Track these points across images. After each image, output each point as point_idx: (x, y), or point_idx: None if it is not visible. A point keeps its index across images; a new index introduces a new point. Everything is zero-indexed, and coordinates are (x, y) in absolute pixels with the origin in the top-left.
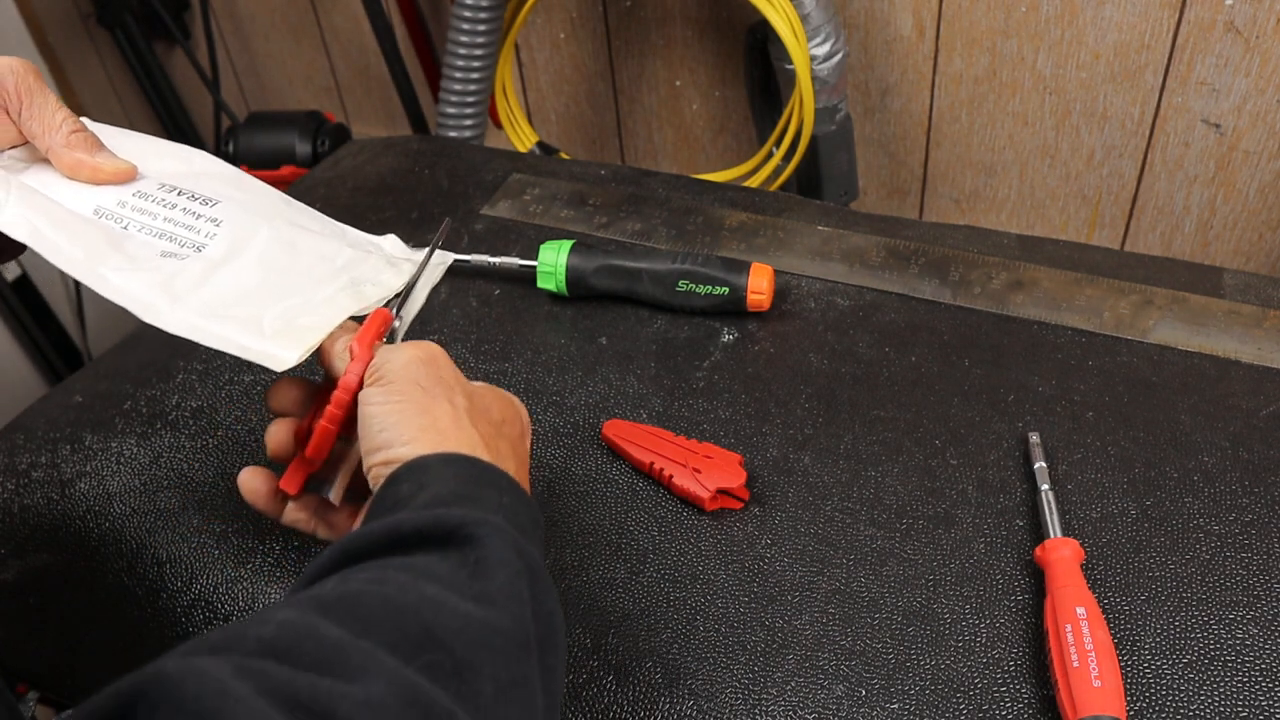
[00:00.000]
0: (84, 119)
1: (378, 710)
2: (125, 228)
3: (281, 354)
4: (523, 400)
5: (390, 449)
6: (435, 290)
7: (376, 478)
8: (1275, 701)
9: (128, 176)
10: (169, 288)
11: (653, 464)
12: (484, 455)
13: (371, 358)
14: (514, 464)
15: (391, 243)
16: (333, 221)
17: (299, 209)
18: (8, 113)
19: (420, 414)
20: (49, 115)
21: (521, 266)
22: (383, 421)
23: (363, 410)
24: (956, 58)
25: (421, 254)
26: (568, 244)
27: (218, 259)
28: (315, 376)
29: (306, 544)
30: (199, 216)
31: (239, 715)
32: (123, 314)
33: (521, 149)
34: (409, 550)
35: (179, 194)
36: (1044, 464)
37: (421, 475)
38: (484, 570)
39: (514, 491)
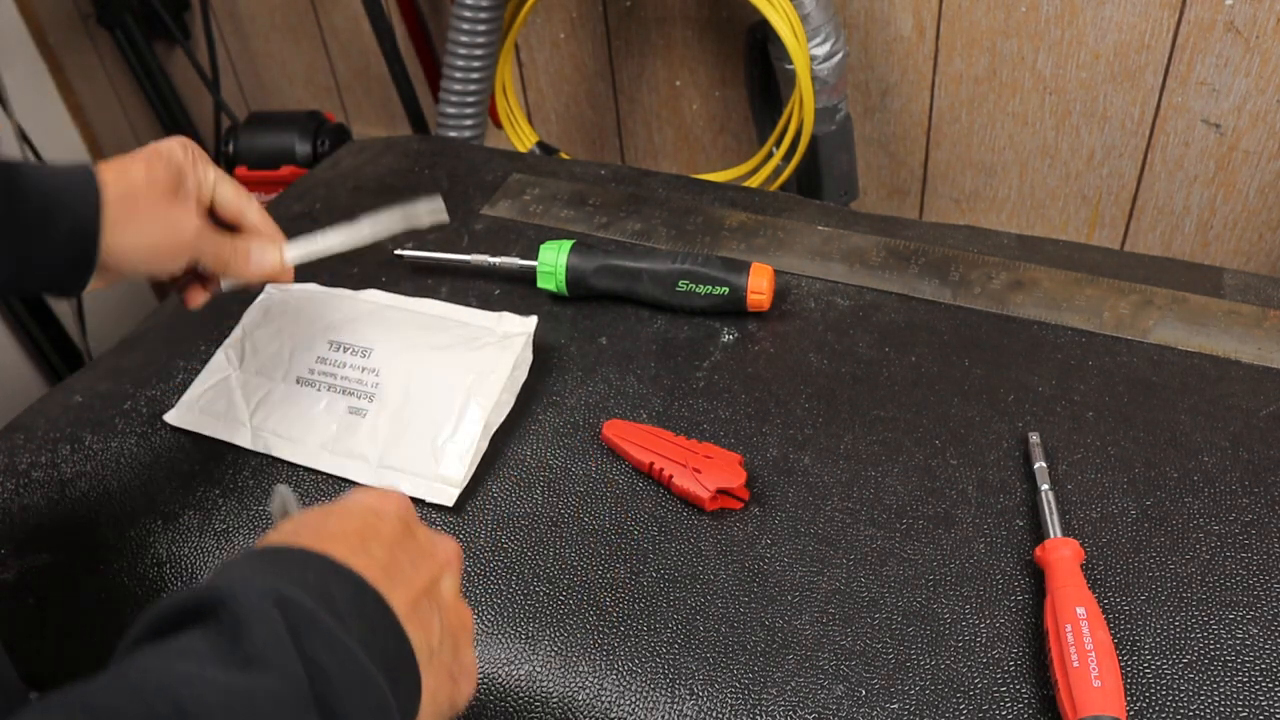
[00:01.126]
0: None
1: None
2: (318, 390)
3: (447, 493)
4: (522, 400)
5: (285, 526)
6: (436, 291)
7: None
8: (1275, 701)
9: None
10: (358, 450)
11: (653, 464)
12: (335, 551)
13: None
14: (374, 558)
15: (507, 321)
16: (455, 315)
17: (427, 319)
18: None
19: (327, 514)
20: (222, 254)
21: (521, 266)
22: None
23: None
24: (956, 58)
25: (531, 325)
26: (568, 244)
27: (377, 411)
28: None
29: None
30: (363, 370)
31: None
32: (123, 314)
33: (521, 149)
34: (168, 634)
35: (344, 349)
36: (1044, 464)
37: (235, 561)
38: (243, 632)
39: (327, 566)
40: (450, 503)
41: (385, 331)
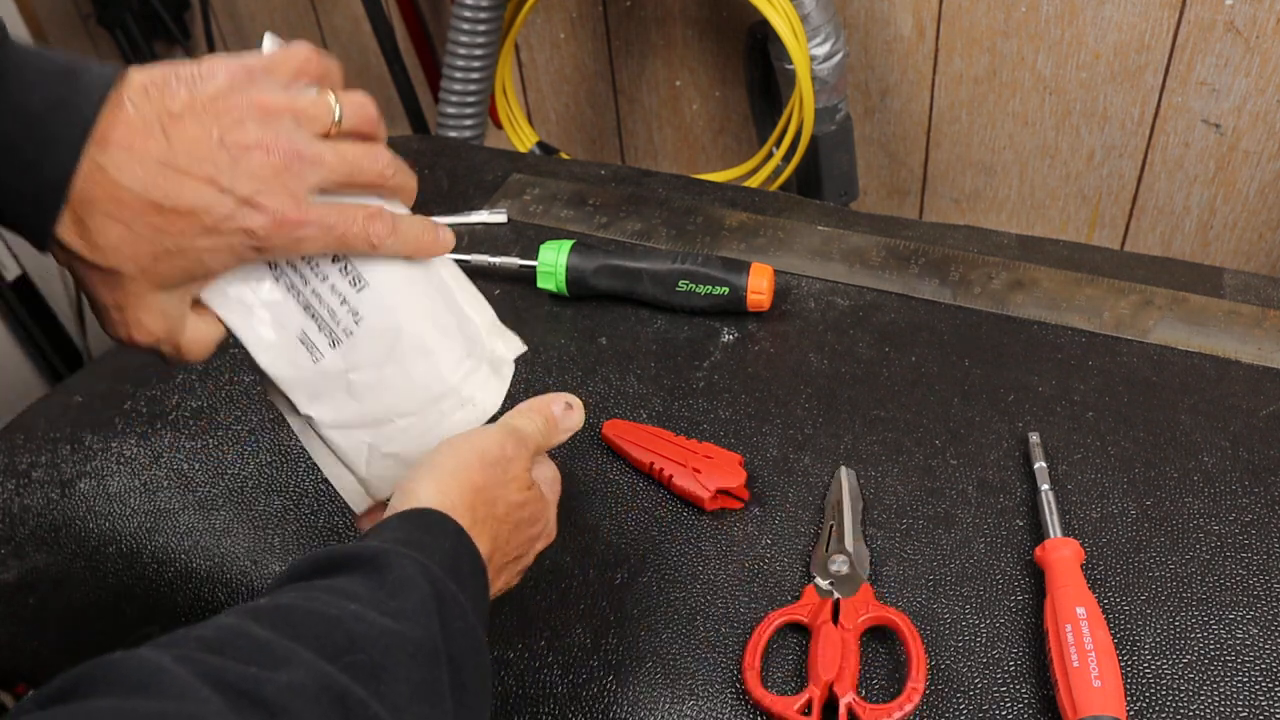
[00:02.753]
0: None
1: (299, 693)
2: (278, 281)
3: (360, 503)
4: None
5: (413, 475)
6: None
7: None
8: (1275, 701)
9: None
10: (305, 385)
11: (653, 464)
12: (452, 513)
13: None
14: (491, 538)
15: (506, 342)
16: (467, 305)
17: (447, 294)
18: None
19: (455, 466)
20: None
21: (521, 266)
22: (437, 451)
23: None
24: (956, 58)
25: (521, 348)
26: (568, 244)
27: (339, 368)
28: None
29: (308, 541)
30: (343, 302)
31: (172, 686)
32: None
33: (521, 149)
34: (334, 574)
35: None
36: (1044, 464)
37: (386, 523)
38: (397, 591)
39: (459, 540)
40: (357, 510)
41: (396, 273)
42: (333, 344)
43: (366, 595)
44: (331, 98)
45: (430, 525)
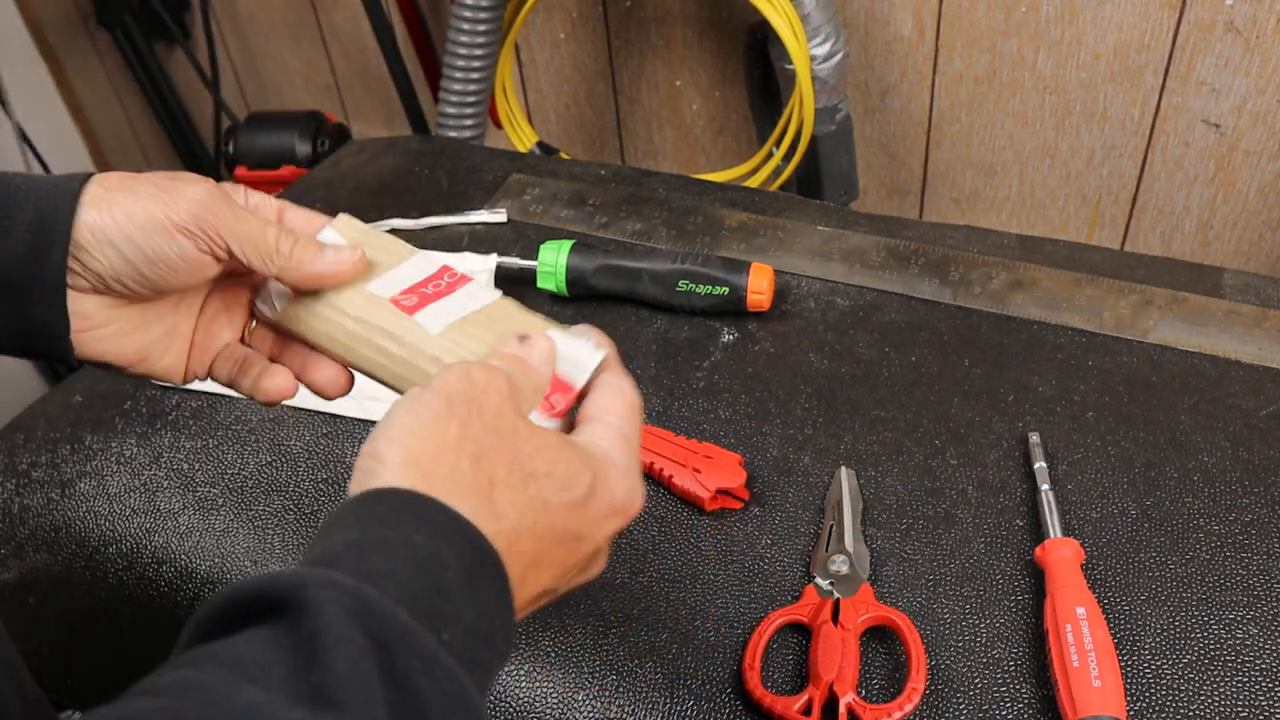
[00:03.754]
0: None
1: None
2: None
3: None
4: None
5: (371, 444)
6: None
7: (355, 469)
8: (1275, 701)
9: (361, 265)
10: None
11: (653, 464)
12: (451, 497)
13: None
14: (519, 531)
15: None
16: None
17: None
18: (214, 255)
19: (418, 422)
20: (262, 240)
21: (521, 267)
22: (389, 414)
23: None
24: (956, 58)
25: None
26: (568, 244)
27: None
28: None
29: (308, 541)
30: None
31: None
32: None
33: (521, 149)
34: (240, 627)
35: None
36: (1044, 464)
37: (341, 514)
38: (319, 652)
39: (439, 530)
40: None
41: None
42: None
43: (276, 666)
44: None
45: (391, 515)
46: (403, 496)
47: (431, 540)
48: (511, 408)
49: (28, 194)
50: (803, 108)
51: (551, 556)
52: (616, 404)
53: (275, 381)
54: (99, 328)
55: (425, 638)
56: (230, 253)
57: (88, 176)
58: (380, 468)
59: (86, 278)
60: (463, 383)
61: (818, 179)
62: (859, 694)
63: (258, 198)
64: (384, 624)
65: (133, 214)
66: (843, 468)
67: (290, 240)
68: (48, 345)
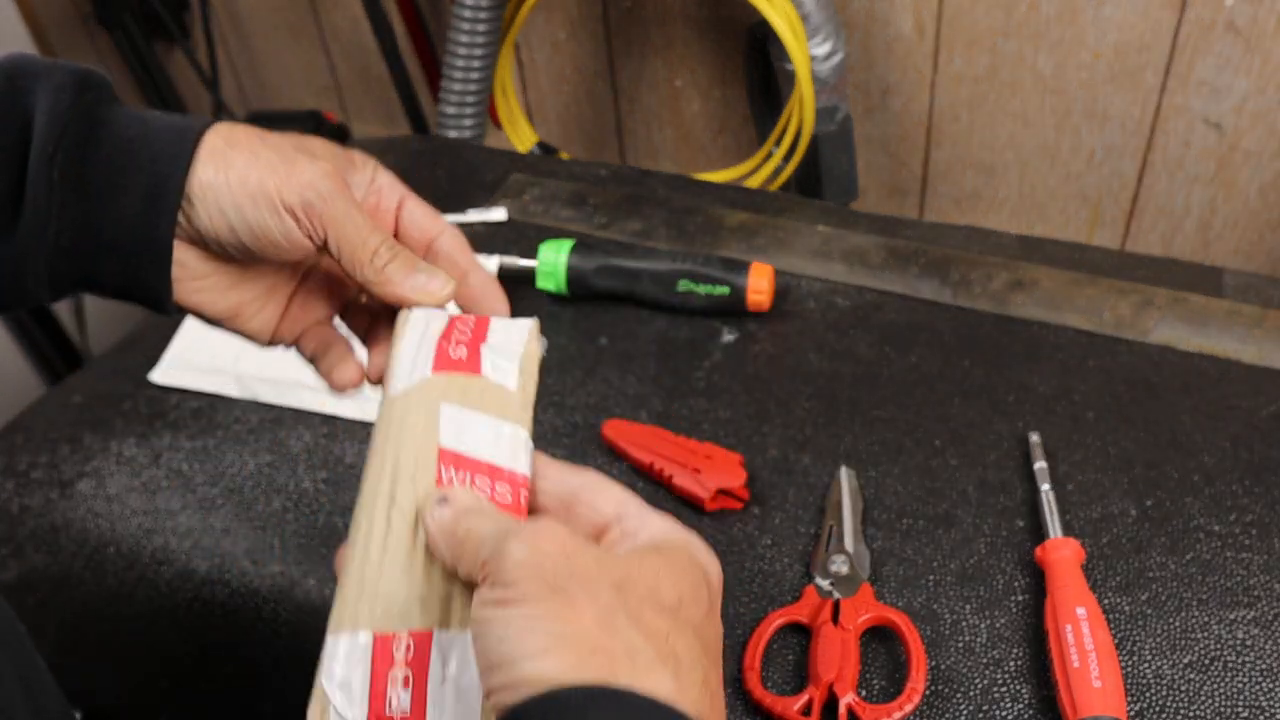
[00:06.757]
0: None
1: None
2: None
3: None
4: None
5: (514, 667)
6: None
7: (497, 706)
8: (1275, 701)
9: (447, 297)
10: None
11: (653, 464)
12: (649, 677)
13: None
14: (698, 667)
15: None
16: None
17: None
18: (315, 241)
19: (553, 620)
20: (361, 245)
21: (521, 266)
22: (502, 631)
23: (476, 616)
24: (956, 58)
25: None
26: (568, 244)
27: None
28: None
29: (308, 541)
30: None
31: None
32: (123, 314)
33: (521, 149)
34: None
35: None
36: (1044, 464)
37: None
38: None
39: None
40: None
41: None
42: None
43: None
44: None
45: None
46: (617, 698)
47: None
48: (588, 550)
49: (145, 152)
50: (803, 108)
51: (710, 662)
52: (612, 499)
53: (347, 374)
54: (197, 279)
55: None
56: (327, 244)
57: (207, 124)
58: (524, 673)
59: (190, 231)
60: (534, 555)
61: (818, 179)
62: (859, 694)
63: (385, 179)
64: None
65: (246, 180)
66: (843, 468)
67: (390, 254)
68: (148, 297)
